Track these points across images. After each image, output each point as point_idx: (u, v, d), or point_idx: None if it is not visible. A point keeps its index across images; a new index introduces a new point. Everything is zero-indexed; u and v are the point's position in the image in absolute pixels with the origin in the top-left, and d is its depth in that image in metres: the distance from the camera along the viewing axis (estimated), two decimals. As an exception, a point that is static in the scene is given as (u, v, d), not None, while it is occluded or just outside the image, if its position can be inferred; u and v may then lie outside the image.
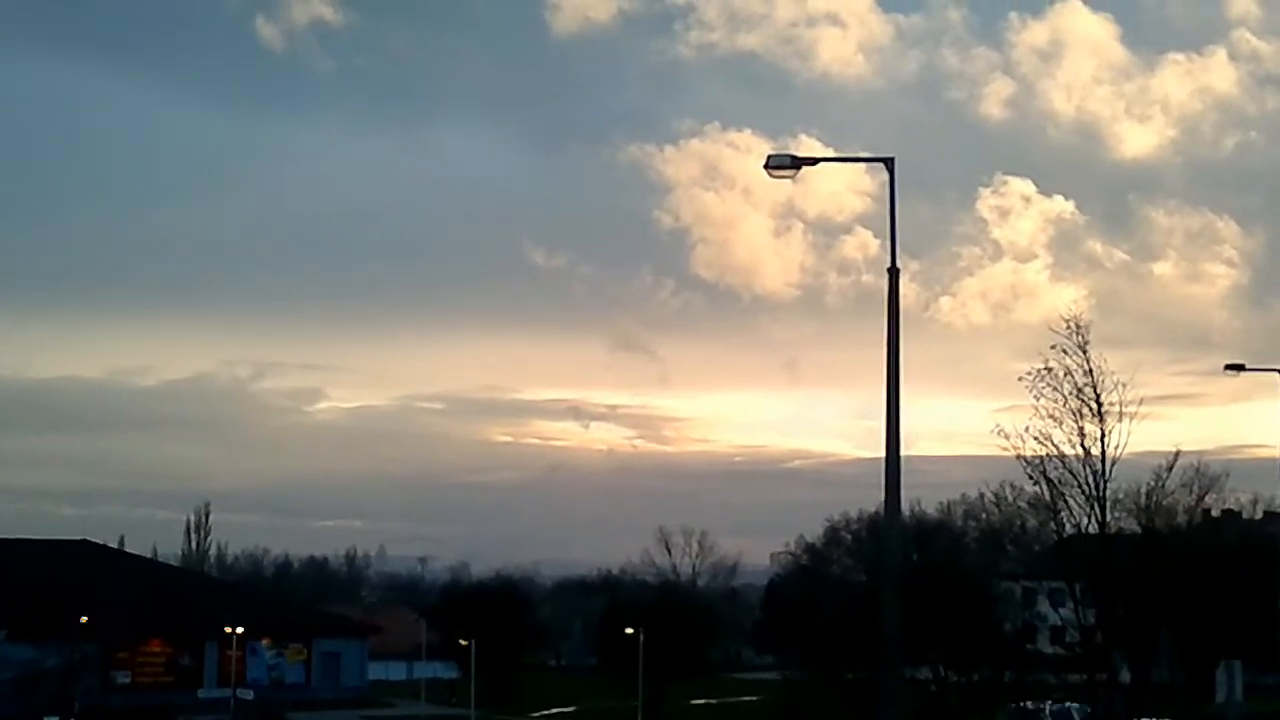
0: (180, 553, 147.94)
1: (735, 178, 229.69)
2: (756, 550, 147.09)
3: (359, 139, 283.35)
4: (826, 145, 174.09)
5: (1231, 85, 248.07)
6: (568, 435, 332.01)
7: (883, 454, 19.07)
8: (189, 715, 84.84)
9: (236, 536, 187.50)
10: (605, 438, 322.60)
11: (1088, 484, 50.71)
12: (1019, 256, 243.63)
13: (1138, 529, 54.77)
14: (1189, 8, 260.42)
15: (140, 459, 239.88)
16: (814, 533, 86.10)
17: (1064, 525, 53.37)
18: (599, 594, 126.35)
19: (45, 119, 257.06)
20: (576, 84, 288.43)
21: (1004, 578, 67.57)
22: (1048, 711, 64.02)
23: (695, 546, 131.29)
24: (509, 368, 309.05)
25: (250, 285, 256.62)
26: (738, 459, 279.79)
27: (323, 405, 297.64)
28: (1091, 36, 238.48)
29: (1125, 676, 57.66)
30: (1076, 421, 50.04)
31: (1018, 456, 51.07)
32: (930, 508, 75.08)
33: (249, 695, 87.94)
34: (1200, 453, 58.45)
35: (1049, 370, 49.91)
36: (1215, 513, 63.07)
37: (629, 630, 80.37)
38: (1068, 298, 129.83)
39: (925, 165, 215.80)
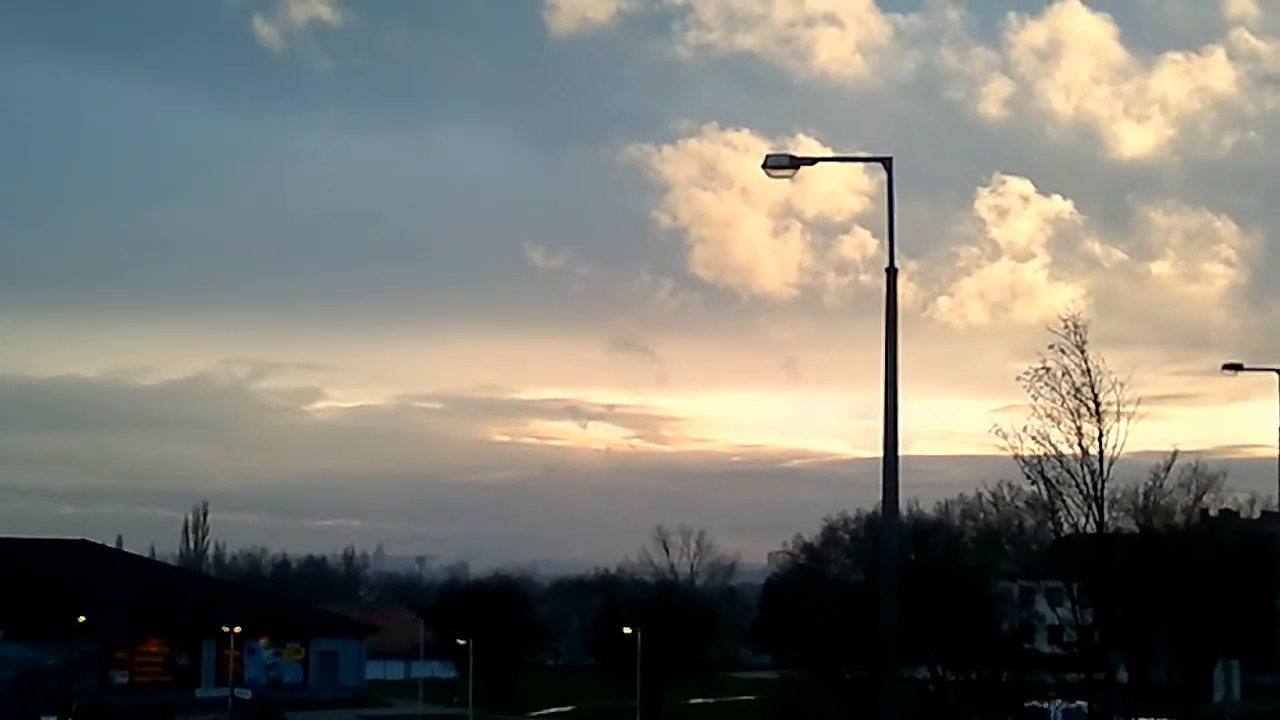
0: (178, 552, 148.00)
1: (733, 177, 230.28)
2: (754, 550, 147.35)
3: (358, 139, 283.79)
4: (825, 145, 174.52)
5: (1230, 85, 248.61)
6: (566, 435, 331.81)
7: (881, 454, 19.09)
8: (187, 715, 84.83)
9: (235, 536, 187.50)
10: (603, 437, 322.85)
11: (1085, 484, 50.70)
12: (1017, 256, 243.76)
13: (1135, 529, 54.75)
14: (1187, 8, 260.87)
15: (139, 459, 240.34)
16: (812, 532, 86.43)
17: (1062, 525, 53.39)
18: (597, 593, 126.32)
19: (45, 119, 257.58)
20: (575, 84, 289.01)
21: (1002, 577, 67.60)
22: (1058, 711, 63.95)
23: (693, 546, 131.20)
24: (508, 367, 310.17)
25: (250, 285, 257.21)
26: (736, 459, 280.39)
27: (321, 405, 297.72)
28: (1090, 36, 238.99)
29: (1123, 676, 57.66)
30: (1074, 421, 50.05)
31: (1015, 456, 51.12)
32: (928, 507, 75.38)
33: (247, 695, 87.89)
34: (1198, 452, 58.44)
35: (1047, 370, 49.90)
36: (1213, 512, 63.00)
37: (627, 630, 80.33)
38: (1066, 297, 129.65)
39: (924, 165, 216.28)
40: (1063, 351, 49.73)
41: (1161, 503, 55.43)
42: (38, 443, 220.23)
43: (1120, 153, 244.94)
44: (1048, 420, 50.03)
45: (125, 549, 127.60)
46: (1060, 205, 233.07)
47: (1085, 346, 49.87)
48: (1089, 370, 49.85)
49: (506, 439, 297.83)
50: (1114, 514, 52.54)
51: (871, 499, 63.12)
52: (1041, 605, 65.25)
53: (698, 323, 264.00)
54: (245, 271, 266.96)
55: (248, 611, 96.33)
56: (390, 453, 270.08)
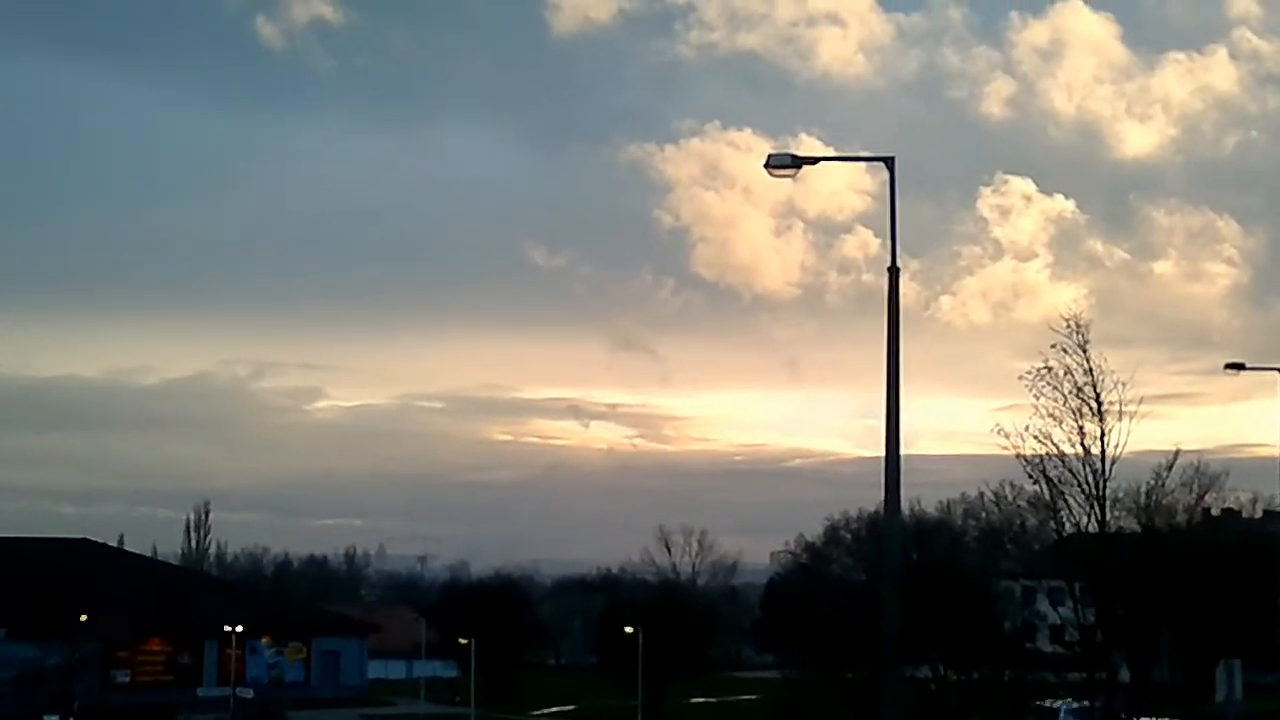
0: (180, 551, 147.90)
1: (735, 177, 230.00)
2: (756, 549, 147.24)
3: (359, 139, 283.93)
4: (827, 144, 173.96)
5: (1232, 84, 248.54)
6: (568, 434, 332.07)
7: (883, 453, 19.04)
8: (188, 714, 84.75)
9: (236, 535, 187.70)
10: (605, 437, 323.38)
11: (1087, 483, 50.66)
12: (1019, 255, 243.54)
13: (1137, 528, 54.71)
14: (1189, 7, 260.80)
15: (140, 458, 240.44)
16: (814, 532, 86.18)
17: (1064, 524, 53.33)
18: (599, 593, 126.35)
19: (45, 119, 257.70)
20: (576, 84, 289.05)
21: (1004, 576, 67.57)
22: (1066, 712, 63.81)
23: (695, 545, 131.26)
24: (509, 367, 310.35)
25: (250, 285, 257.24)
26: (738, 458, 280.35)
27: (322, 404, 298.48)
28: (1092, 36, 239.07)
29: (1125, 675, 57.62)
30: (1076, 420, 50.02)
31: (1017, 455, 51.07)
32: (930, 507, 75.25)
33: (249, 694, 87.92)
34: (1200, 452, 58.41)
35: (1049, 369, 49.87)
36: (1215, 512, 62.99)
37: (629, 629, 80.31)
38: (1068, 297, 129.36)
39: (926, 164, 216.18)
40: (1065, 351, 49.75)
41: (1164, 502, 55.43)
42: (38, 443, 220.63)
43: (1122, 152, 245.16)
44: (1050, 419, 50.05)
45: (127, 548, 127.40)
46: (1062, 205, 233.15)
47: (1087, 346, 49.89)
48: (1091, 370, 49.86)
49: (508, 438, 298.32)
50: (1116, 513, 52.56)
51: (873, 498, 63.00)
52: (1043, 604, 65.15)
53: (700, 322, 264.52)
54: (246, 271, 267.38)
55: (249, 611, 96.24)
56: (391, 452, 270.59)
